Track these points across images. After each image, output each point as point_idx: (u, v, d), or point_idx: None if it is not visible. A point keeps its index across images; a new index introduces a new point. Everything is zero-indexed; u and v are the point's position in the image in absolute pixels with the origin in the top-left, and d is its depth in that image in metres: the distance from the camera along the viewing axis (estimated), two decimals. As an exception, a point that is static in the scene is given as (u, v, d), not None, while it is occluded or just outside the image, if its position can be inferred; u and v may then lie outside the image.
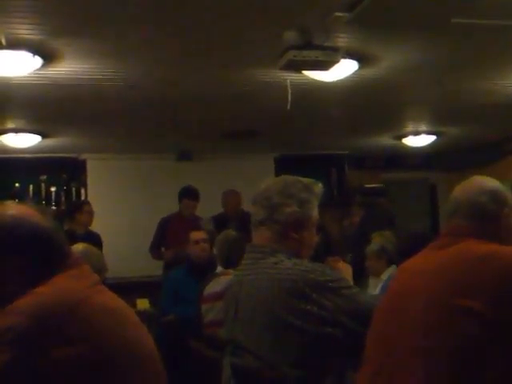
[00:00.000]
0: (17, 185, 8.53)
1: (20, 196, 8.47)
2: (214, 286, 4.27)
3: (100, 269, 4.55)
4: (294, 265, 2.32)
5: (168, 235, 7.09)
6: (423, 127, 8.38)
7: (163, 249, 7.22)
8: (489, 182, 2.18)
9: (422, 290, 1.98)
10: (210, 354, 3.12)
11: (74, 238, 6.56)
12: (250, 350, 2.37)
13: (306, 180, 2.51)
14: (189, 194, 7.15)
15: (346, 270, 2.71)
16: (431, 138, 8.63)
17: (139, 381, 1.58)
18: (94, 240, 6.42)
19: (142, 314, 6.04)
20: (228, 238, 4.77)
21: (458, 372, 1.83)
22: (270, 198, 2.43)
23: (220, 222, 7.27)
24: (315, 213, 2.48)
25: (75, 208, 7.28)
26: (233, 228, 7.18)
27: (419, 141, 8.68)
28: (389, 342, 2.02)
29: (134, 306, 6.34)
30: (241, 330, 2.44)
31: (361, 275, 5.05)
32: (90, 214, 7.18)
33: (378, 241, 5.13)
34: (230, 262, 4.41)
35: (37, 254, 1.62)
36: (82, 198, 8.72)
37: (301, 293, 2.24)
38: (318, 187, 2.52)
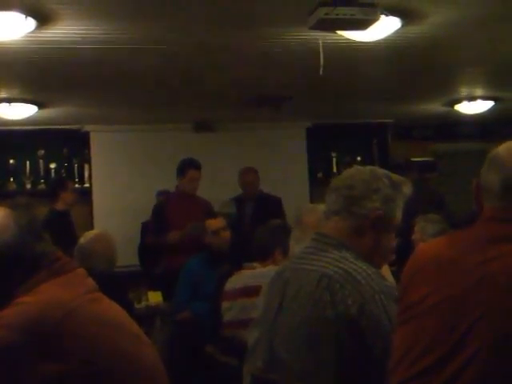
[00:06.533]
0: (11, 161, 8.61)
1: (15, 174, 8.57)
2: (235, 281, 4.27)
3: (108, 262, 4.63)
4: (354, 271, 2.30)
5: (167, 222, 6.80)
6: (479, 92, 8.30)
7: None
8: None
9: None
10: (226, 360, 3.15)
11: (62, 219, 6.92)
12: (283, 360, 2.35)
13: (394, 176, 2.52)
14: (194, 164, 6.89)
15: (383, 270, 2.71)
16: (488, 104, 8.55)
17: None
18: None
19: (153, 310, 6.12)
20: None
21: None
22: (353, 187, 2.44)
23: (241, 205, 7.28)
24: (398, 215, 2.48)
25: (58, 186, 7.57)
26: (248, 211, 7.18)
27: (474, 107, 8.60)
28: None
29: (145, 299, 6.41)
30: (277, 330, 2.42)
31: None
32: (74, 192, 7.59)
33: (422, 226, 5.10)
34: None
35: None
36: (86, 175, 8.82)
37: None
38: (407, 187, 2.53)
